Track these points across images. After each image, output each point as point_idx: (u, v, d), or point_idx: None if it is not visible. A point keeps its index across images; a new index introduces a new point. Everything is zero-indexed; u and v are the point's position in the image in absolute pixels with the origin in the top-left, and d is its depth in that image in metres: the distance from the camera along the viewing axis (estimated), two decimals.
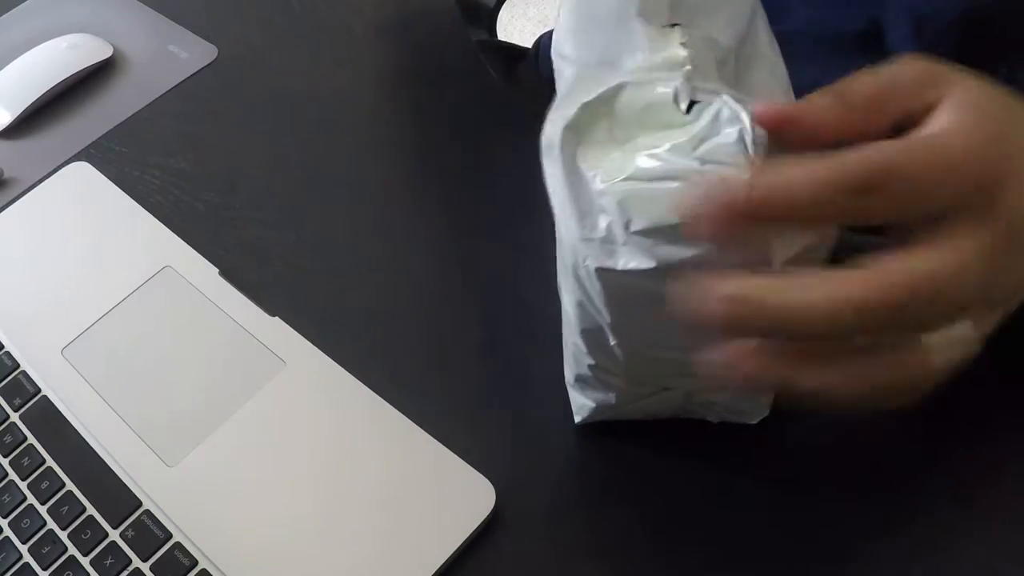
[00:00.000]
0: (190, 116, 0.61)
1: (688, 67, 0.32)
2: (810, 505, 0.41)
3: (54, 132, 0.61)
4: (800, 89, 0.33)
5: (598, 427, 0.45)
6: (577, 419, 0.44)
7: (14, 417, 0.48)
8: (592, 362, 0.39)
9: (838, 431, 0.43)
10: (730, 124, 0.30)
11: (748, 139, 0.29)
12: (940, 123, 0.28)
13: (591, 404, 0.42)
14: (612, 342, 0.36)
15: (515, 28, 1.61)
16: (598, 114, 0.32)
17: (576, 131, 0.32)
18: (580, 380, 0.41)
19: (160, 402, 0.47)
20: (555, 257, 0.41)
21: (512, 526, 0.42)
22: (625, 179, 0.31)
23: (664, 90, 0.32)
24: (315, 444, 0.45)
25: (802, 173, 0.26)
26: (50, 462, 0.46)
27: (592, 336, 0.37)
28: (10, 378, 0.49)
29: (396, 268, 0.52)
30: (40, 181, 0.58)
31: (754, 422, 0.42)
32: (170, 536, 0.43)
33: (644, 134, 0.32)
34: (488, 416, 0.46)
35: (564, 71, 0.36)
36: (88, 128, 0.61)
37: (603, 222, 0.31)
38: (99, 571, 0.42)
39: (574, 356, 0.40)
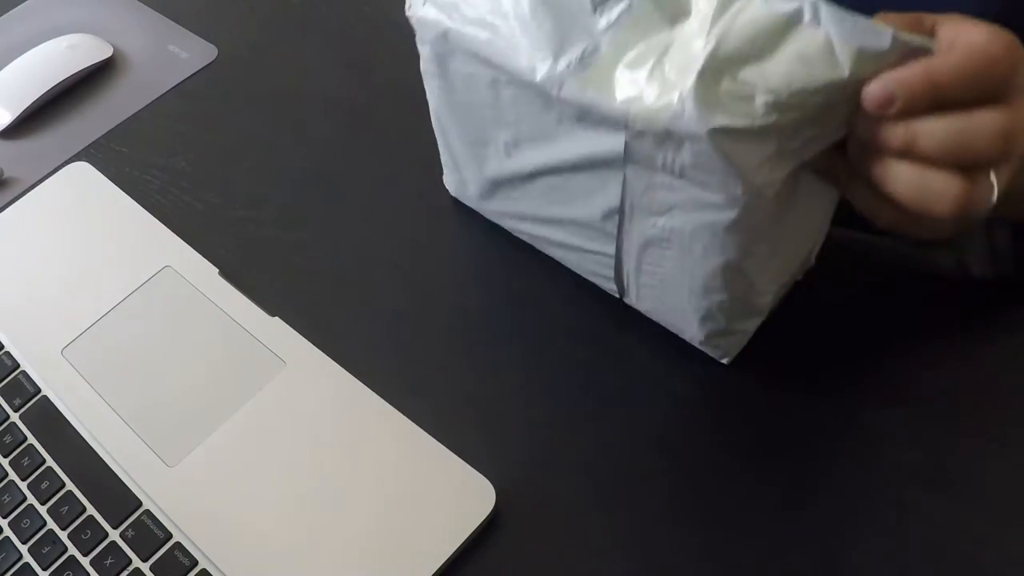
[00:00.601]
0: (190, 116, 0.61)
1: None
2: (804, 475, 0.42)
3: (54, 132, 0.62)
4: None
5: (598, 426, 0.45)
6: (727, 361, 0.45)
7: (14, 417, 0.48)
8: (736, 310, 0.42)
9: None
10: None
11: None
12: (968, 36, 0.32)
13: (734, 344, 0.45)
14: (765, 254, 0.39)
15: None
16: (718, 72, 0.33)
17: (706, 100, 0.33)
18: (717, 334, 0.44)
19: (160, 402, 0.47)
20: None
21: (512, 526, 0.42)
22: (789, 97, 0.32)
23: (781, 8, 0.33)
24: (315, 444, 0.45)
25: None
26: (50, 462, 0.46)
27: (739, 281, 0.40)
28: (10, 378, 0.49)
29: (396, 268, 0.52)
30: (40, 181, 0.58)
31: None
32: (170, 536, 0.43)
33: (771, 60, 0.33)
34: (488, 416, 0.46)
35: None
36: (88, 128, 0.61)
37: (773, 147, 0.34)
38: (99, 571, 0.42)
39: (709, 314, 0.42)
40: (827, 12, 0.32)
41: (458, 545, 0.41)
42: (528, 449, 0.45)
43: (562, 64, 0.37)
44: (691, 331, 0.44)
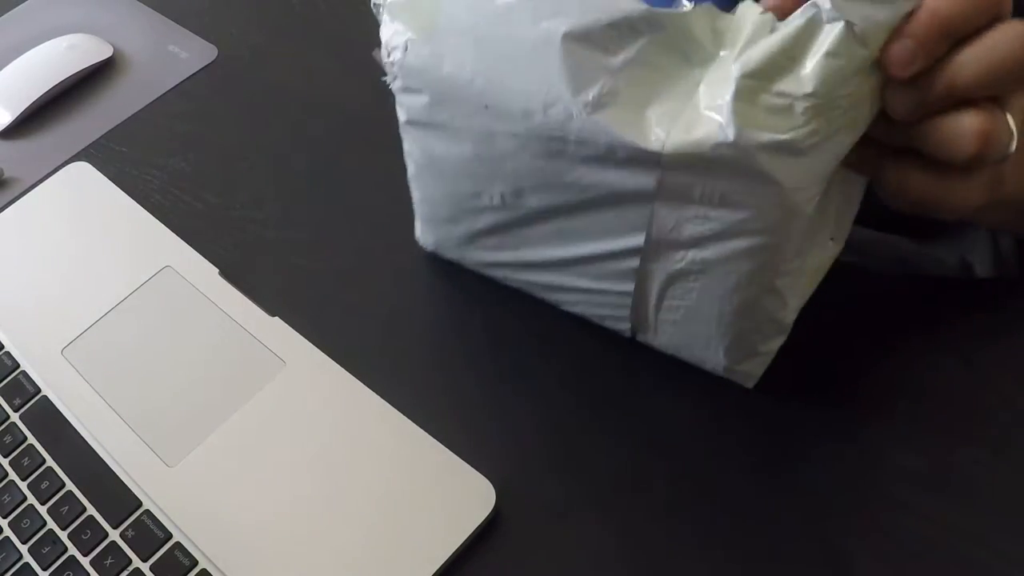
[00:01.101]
0: (190, 116, 0.61)
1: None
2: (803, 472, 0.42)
3: (54, 132, 0.61)
4: None
5: (600, 426, 0.45)
6: (752, 384, 0.44)
7: (14, 417, 0.48)
8: (769, 326, 0.41)
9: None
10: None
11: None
12: None
13: (759, 365, 0.43)
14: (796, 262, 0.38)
15: None
16: (753, 91, 0.33)
17: (747, 120, 0.33)
18: (744, 359, 0.43)
19: (160, 402, 0.47)
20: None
21: (512, 526, 0.42)
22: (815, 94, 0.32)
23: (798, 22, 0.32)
24: (315, 444, 0.45)
25: None
26: (50, 462, 0.46)
27: (771, 300, 0.39)
28: (10, 378, 0.49)
29: (396, 268, 0.52)
30: (40, 181, 0.58)
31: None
32: (170, 536, 0.43)
33: (803, 66, 0.32)
34: (488, 416, 0.46)
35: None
36: (88, 128, 0.61)
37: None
38: (99, 571, 0.42)
39: (737, 340, 0.42)
40: (840, 2, 0.32)
41: (458, 545, 0.41)
42: (528, 449, 0.44)
43: (580, 102, 0.35)
44: (715, 360, 0.43)
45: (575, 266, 0.43)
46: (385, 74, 0.41)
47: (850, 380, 0.45)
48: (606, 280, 0.43)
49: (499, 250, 0.46)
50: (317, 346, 0.48)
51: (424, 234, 0.50)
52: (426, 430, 0.44)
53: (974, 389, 0.44)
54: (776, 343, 0.43)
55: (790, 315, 0.41)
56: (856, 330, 0.46)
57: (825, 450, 0.43)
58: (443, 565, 0.41)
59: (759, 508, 0.42)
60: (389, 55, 0.40)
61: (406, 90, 0.41)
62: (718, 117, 0.33)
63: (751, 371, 0.44)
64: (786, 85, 0.32)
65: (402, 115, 0.43)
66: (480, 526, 0.42)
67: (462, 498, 0.43)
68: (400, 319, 0.50)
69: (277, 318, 0.49)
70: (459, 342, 0.48)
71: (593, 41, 0.35)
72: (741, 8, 0.34)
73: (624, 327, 0.45)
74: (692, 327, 0.42)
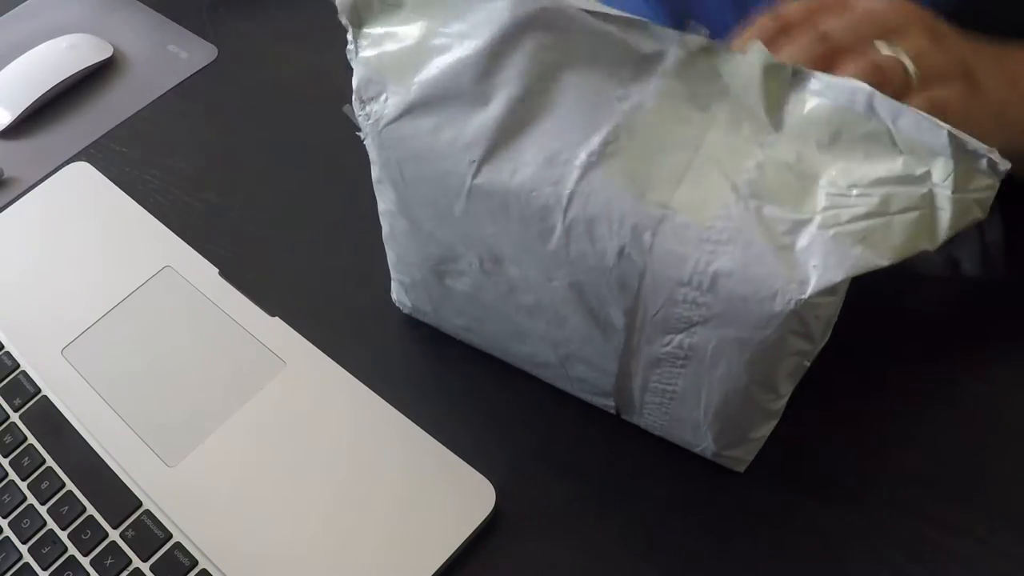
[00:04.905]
0: (190, 116, 0.61)
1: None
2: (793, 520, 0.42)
3: (54, 132, 0.62)
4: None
5: (595, 427, 0.45)
6: (743, 469, 0.42)
7: (14, 417, 0.48)
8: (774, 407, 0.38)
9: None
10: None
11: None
12: None
13: (750, 452, 0.41)
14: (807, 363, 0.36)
15: None
16: (781, 165, 0.32)
17: (762, 193, 0.31)
18: (733, 445, 0.40)
19: (160, 402, 0.47)
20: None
21: (512, 526, 0.42)
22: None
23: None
24: (315, 444, 0.45)
25: None
26: (50, 462, 0.46)
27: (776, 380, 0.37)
28: (10, 378, 0.49)
29: None
30: (40, 181, 0.58)
31: None
32: (170, 536, 0.43)
33: (845, 157, 0.31)
34: (488, 416, 0.46)
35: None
36: (88, 128, 0.61)
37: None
38: (99, 571, 0.42)
39: (726, 428, 0.39)
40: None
41: (458, 545, 0.41)
42: (528, 449, 0.44)
43: (580, 155, 0.33)
44: (704, 445, 0.41)
45: (556, 342, 0.41)
46: (359, 128, 0.38)
47: (842, 379, 0.44)
48: (589, 358, 0.40)
49: (477, 320, 0.44)
50: (317, 346, 0.48)
51: (400, 295, 0.47)
52: (426, 430, 0.44)
53: (973, 388, 0.44)
54: (767, 428, 0.40)
55: (782, 403, 0.38)
56: (847, 328, 0.46)
57: (822, 446, 0.43)
58: (443, 565, 0.41)
59: (759, 502, 0.42)
60: (364, 107, 0.37)
61: (380, 145, 0.37)
62: (731, 184, 0.31)
63: (741, 457, 0.41)
64: (814, 165, 0.32)
65: (375, 172, 0.39)
66: (480, 526, 0.42)
67: (462, 498, 0.43)
68: (400, 319, 0.50)
69: (277, 318, 0.49)
70: (458, 342, 0.48)
71: (594, 86, 0.33)
72: (751, 50, 0.32)
73: (607, 404, 0.43)
74: (679, 411, 0.40)
